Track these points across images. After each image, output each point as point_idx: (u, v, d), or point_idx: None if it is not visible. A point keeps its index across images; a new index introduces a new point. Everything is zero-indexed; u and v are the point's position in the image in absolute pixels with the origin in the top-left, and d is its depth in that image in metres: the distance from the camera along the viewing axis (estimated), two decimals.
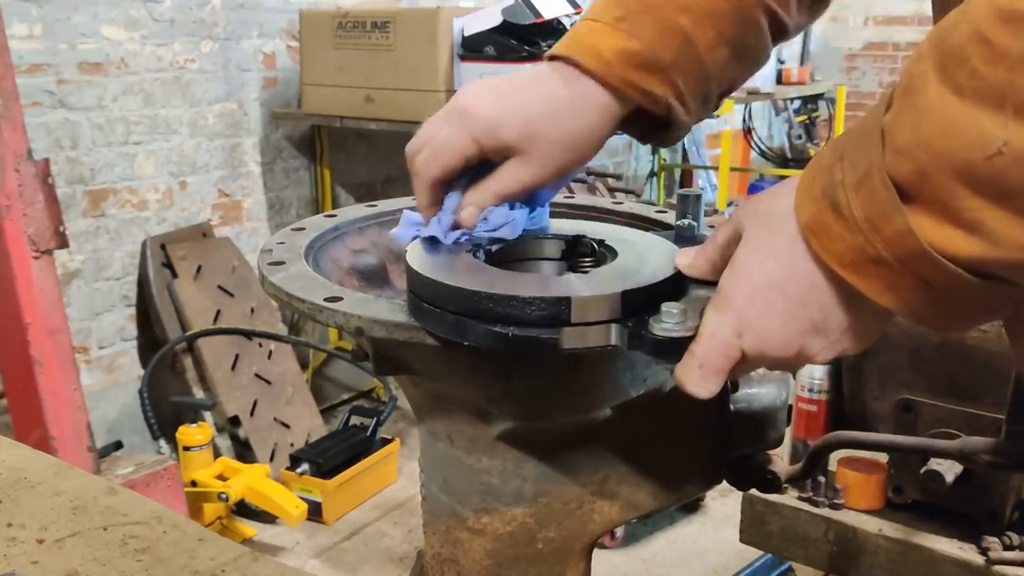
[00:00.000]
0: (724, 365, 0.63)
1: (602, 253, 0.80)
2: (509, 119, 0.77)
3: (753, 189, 6.78)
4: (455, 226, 0.78)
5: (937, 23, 0.55)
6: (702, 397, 0.64)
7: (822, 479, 1.77)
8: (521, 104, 0.77)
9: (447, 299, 0.68)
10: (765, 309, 0.62)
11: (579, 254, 0.83)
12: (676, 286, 0.70)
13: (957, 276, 0.54)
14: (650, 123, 0.81)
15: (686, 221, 0.85)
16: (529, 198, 0.82)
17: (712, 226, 0.94)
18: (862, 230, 0.56)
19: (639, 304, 0.67)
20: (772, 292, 0.62)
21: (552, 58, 0.79)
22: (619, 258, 0.77)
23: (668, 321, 0.64)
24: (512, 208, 0.80)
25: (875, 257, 0.56)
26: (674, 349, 0.65)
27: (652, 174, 6.13)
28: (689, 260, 0.70)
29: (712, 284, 0.67)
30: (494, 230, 0.79)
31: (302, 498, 3.10)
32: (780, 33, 0.85)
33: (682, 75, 0.77)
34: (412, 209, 0.84)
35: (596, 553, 0.86)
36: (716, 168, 5.63)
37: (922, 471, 1.57)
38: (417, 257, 0.75)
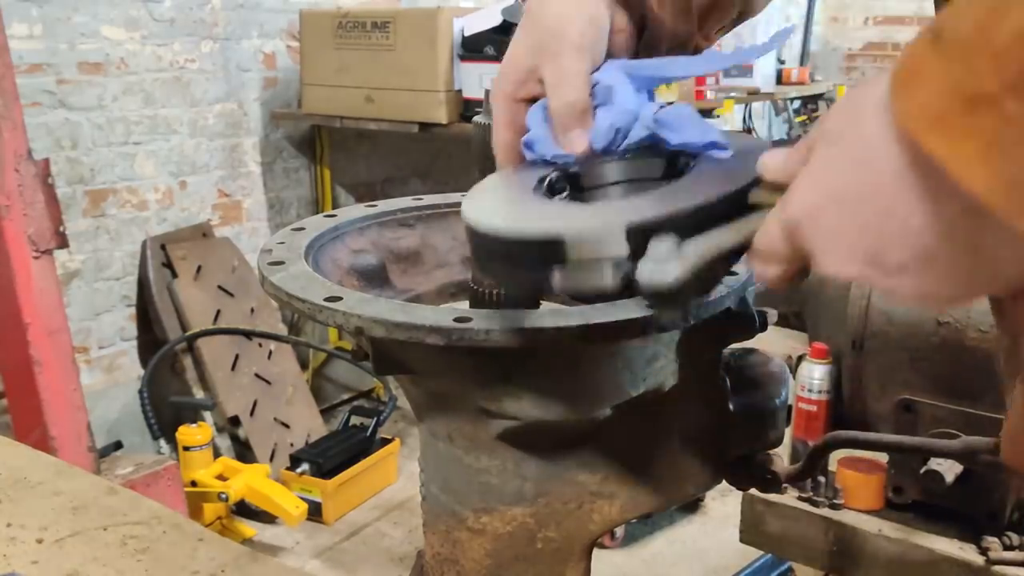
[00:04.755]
0: (774, 260, 0.55)
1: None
2: (517, 42, 0.80)
3: None
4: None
5: None
6: (758, 275, 0.57)
7: (822, 479, 1.77)
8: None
9: (473, 237, 0.65)
10: (817, 217, 0.51)
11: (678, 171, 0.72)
12: (703, 218, 0.58)
13: None
14: (635, 23, 0.82)
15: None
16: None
17: None
18: (965, 51, 0.41)
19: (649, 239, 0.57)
20: (828, 197, 0.50)
21: None
22: (685, 178, 0.67)
23: (654, 263, 0.55)
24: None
25: (975, 94, 0.40)
26: (662, 297, 0.55)
27: None
28: (770, 160, 0.58)
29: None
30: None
31: (302, 498, 3.10)
32: None
33: None
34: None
35: (596, 553, 0.86)
36: None
37: (922, 471, 1.57)
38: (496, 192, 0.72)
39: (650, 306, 0.59)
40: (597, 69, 0.77)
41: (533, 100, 0.78)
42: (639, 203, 0.61)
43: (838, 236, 0.50)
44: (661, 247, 0.55)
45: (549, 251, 0.58)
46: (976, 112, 0.40)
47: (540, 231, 0.60)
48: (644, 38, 0.83)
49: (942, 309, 0.52)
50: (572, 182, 0.74)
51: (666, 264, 0.54)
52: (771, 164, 0.57)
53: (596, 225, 0.58)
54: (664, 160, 0.72)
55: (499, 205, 0.69)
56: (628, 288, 0.57)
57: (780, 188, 0.55)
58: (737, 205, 0.59)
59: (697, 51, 0.86)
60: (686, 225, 0.57)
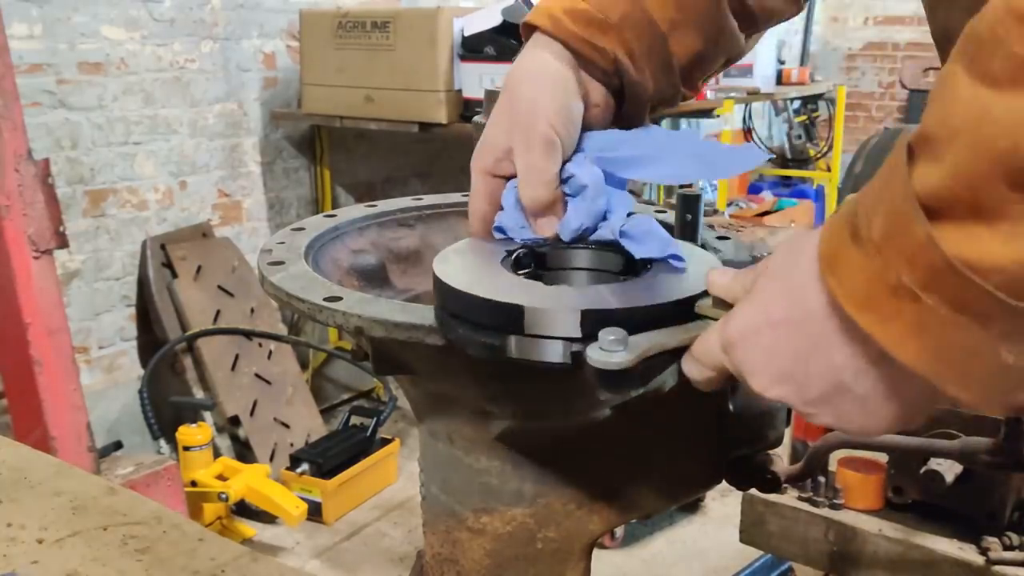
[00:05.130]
0: (705, 366, 0.62)
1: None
2: (495, 121, 0.80)
3: (753, 189, 6.78)
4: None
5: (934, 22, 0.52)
6: (687, 374, 0.64)
7: (822, 479, 1.77)
8: (507, 94, 0.80)
9: (440, 293, 0.69)
10: (751, 340, 0.58)
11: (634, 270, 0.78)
12: (651, 317, 0.65)
13: (990, 299, 0.45)
14: (613, 91, 0.82)
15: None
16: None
17: (712, 226, 0.94)
18: (881, 252, 0.48)
19: (604, 326, 0.63)
20: (763, 323, 0.57)
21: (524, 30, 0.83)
22: (642, 278, 0.73)
23: (603, 349, 0.61)
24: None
25: (895, 285, 0.47)
26: (609, 379, 0.61)
27: None
28: (718, 279, 0.65)
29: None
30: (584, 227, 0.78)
31: (302, 498, 3.10)
32: (744, 11, 0.86)
33: (632, 32, 0.80)
34: None
35: (596, 553, 0.86)
36: None
37: (922, 471, 1.57)
38: (461, 259, 0.76)
39: (596, 385, 0.63)
40: (570, 159, 0.79)
41: (511, 175, 0.80)
42: (597, 292, 0.68)
43: (768, 360, 0.57)
44: (611, 336, 0.61)
45: (507, 318, 0.64)
46: (899, 298, 0.47)
47: (502, 298, 0.65)
48: (626, 104, 0.83)
49: (865, 436, 0.58)
50: (538, 260, 0.78)
51: (614, 351, 0.60)
52: (718, 282, 0.64)
53: (554, 303, 0.65)
54: (624, 256, 0.77)
55: (469, 269, 0.74)
56: (576, 367, 0.63)
57: (723, 304, 0.63)
58: (683, 311, 0.66)
59: (685, 100, 0.88)
60: (635, 320, 0.64)
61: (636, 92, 0.82)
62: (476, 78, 3.31)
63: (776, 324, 0.56)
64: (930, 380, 0.49)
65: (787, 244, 0.59)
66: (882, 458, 1.76)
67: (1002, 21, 0.44)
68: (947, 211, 0.46)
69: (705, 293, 0.66)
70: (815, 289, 0.53)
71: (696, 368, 0.63)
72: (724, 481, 0.88)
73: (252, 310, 3.67)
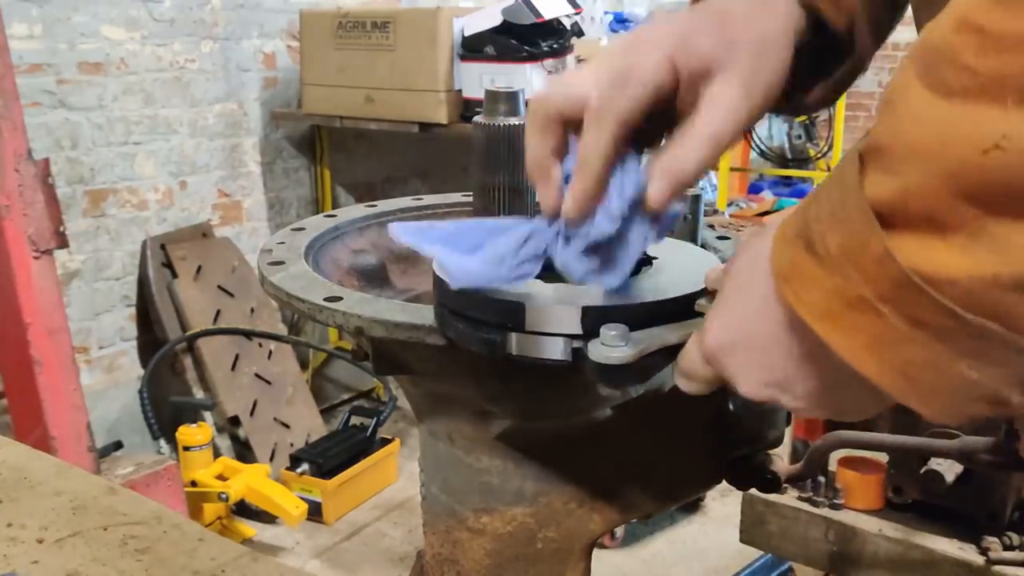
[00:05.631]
0: (696, 380, 0.62)
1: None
2: (700, 26, 0.64)
3: (753, 189, 6.78)
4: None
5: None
6: (683, 390, 0.63)
7: (822, 479, 1.77)
8: (705, 13, 0.66)
9: (440, 290, 0.69)
10: (729, 354, 0.58)
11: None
12: (651, 314, 0.65)
13: (947, 313, 0.45)
14: (822, 53, 0.72)
15: None
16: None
17: (712, 226, 0.94)
18: (838, 266, 0.48)
19: (604, 323, 0.63)
20: (737, 340, 0.57)
21: None
22: (641, 276, 0.73)
23: (604, 344, 0.61)
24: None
25: (854, 299, 0.47)
26: (610, 374, 0.62)
27: None
28: (712, 274, 0.66)
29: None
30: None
31: (302, 498, 3.10)
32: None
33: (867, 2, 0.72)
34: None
35: (596, 553, 0.86)
36: (716, 168, 5.63)
37: (922, 471, 1.57)
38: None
39: (596, 380, 0.63)
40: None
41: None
42: (597, 290, 0.68)
43: (748, 372, 0.57)
44: (612, 331, 0.61)
45: (509, 315, 0.64)
46: (859, 311, 0.47)
47: (503, 295, 0.66)
48: (841, 75, 0.75)
49: (852, 420, 0.58)
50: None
51: (615, 346, 0.61)
52: (711, 276, 0.66)
53: (555, 300, 0.65)
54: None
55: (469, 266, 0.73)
56: (576, 364, 0.63)
57: None
58: (683, 308, 0.67)
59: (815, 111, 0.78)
60: (636, 317, 0.64)
61: (857, 59, 0.73)
62: (476, 78, 3.31)
63: (747, 341, 0.57)
64: (892, 394, 0.48)
65: (746, 248, 0.58)
66: (882, 458, 1.76)
67: (958, 31, 0.43)
68: (901, 221, 0.46)
69: (704, 291, 0.67)
70: (775, 303, 0.54)
71: (685, 383, 0.63)
72: (724, 481, 0.88)
73: (252, 310, 3.67)
